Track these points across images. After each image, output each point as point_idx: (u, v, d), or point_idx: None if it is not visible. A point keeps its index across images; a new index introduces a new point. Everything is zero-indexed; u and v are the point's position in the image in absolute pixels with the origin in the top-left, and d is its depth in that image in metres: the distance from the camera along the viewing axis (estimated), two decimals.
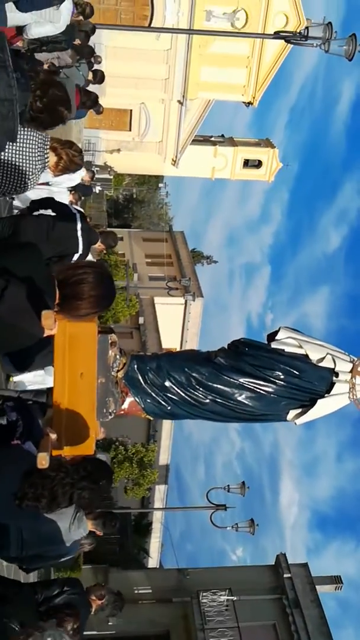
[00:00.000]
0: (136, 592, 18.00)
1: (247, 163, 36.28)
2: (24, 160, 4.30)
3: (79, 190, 19.79)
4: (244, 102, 35.08)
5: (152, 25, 32.02)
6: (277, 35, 17.19)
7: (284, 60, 33.35)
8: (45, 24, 7.55)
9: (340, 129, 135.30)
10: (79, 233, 6.37)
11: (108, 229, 11.24)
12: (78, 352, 4.12)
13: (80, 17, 11.37)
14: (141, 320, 33.45)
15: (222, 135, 37.85)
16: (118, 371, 4.39)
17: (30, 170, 4.39)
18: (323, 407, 4.70)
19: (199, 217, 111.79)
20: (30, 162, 4.38)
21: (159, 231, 47.34)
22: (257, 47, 32.55)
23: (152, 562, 31.14)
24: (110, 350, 4.33)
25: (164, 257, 39.04)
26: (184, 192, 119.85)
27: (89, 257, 7.57)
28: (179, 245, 41.00)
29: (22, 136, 4.29)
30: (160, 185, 50.21)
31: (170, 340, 34.03)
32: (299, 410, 4.74)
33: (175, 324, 36.20)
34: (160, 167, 36.72)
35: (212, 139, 37.42)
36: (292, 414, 4.75)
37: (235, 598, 17.43)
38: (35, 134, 4.38)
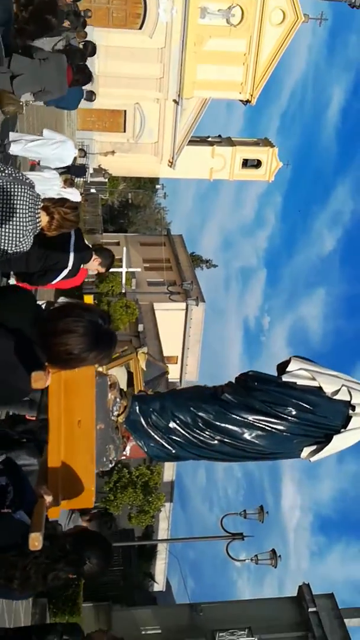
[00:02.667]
0: (143, 632, 16.28)
1: (246, 163, 36.17)
2: (13, 222, 4.11)
3: (72, 172, 19.67)
4: (241, 101, 34.93)
5: (145, 24, 31.90)
6: None
7: (281, 58, 33.15)
8: None
9: (331, 132, 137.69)
10: (71, 248, 6.18)
11: (104, 247, 10.98)
12: (75, 398, 3.91)
13: (67, 23, 11.07)
14: (141, 327, 33.19)
15: (220, 136, 37.73)
16: (118, 415, 4.18)
17: (20, 231, 4.19)
18: (339, 442, 4.49)
19: (194, 221, 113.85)
20: (20, 223, 4.18)
21: (156, 235, 47.16)
22: (254, 44, 32.40)
23: (158, 586, 30.71)
24: (109, 392, 4.13)
25: (162, 261, 38.83)
26: (179, 195, 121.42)
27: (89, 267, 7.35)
28: (178, 249, 40.78)
29: (11, 195, 4.09)
30: (158, 186, 50.09)
31: (171, 347, 33.80)
32: (314, 447, 4.53)
33: (177, 331, 35.93)
34: (156, 169, 36.55)
35: (209, 139, 37.27)
36: (306, 451, 4.53)
37: (256, 638, 15.72)
38: (26, 193, 4.19)
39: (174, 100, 33.85)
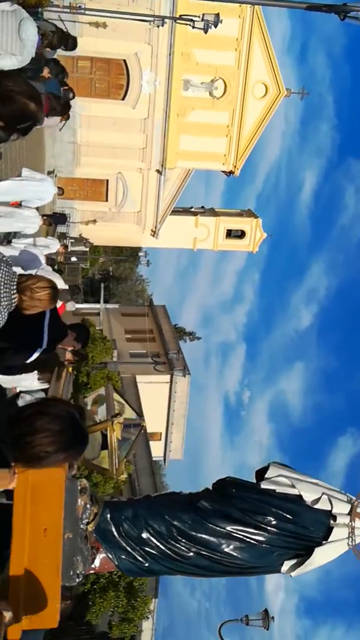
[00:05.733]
0: None
1: (230, 233, 36.85)
2: None
3: (54, 220, 19.78)
4: (224, 172, 35.88)
5: (127, 95, 33.00)
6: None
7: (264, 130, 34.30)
8: (6, 57, 7.39)
9: (304, 212, 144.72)
10: (45, 327, 6.17)
11: (79, 323, 11.05)
12: (42, 504, 3.82)
13: (47, 49, 11.34)
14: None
15: (202, 207, 38.54)
16: (88, 523, 4.10)
17: None
18: (321, 556, 4.42)
19: (174, 294, 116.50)
20: None
21: (139, 305, 47.43)
22: (237, 116, 33.56)
23: None
24: (79, 498, 4.07)
25: (145, 332, 38.93)
26: (159, 265, 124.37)
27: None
28: (161, 320, 41.00)
29: None
30: (140, 254, 50.79)
31: (155, 423, 33.45)
32: (294, 561, 4.46)
33: (160, 405, 35.64)
34: (139, 238, 37.10)
35: (192, 209, 38.06)
36: (286, 565, 4.47)
37: None
38: (1, 270, 4.24)
39: (157, 171, 34.70)
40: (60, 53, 13.36)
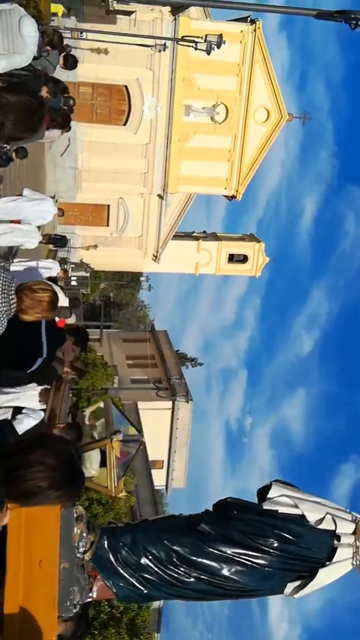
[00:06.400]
0: None
1: (232, 258, 36.95)
2: None
3: (55, 242, 19.83)
4: (226, 196, 36.06)
5: (129, 120, 33.31)
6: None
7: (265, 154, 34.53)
8: (10, 56, 7.44)
9: (305, 239, 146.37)
10: (43, 334, 6.12)
11: (77, 327, 11.01)
12: (37, 535, 3.73)
13: (48, 48, 11.33)
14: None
15: (204, 232, 38.70)
16: (85, 552, 3.99)
17: None
18: (325, 577, 4.32)
19: (175, 319, 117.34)
20: None
21: (140, 331, 47.38)
22: (238, 141, 33.82)
23: None
24: (75, 526, 3.96)
25: (146, 357, 38.85)
26: (160, 290, 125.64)
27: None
28: (163, 345, 40.93)
29: None
30: (142, 279, 50.95)
31: (156, 451, 33.22)
32: (298, 583, 4.35)
33: (162, 432, 35.42)
34: (140, 263, 37.20)
35: (194, 234, 38.21)
36: (289, 587, 4.35)
37: None
38: None
39: (159, 195, 34.89)
40: (61, 76, 13.47)
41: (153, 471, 31.75)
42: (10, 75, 7.82)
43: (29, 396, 7.82)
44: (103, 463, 8.69)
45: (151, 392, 36.12)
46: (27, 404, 7.63)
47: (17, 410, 7.26)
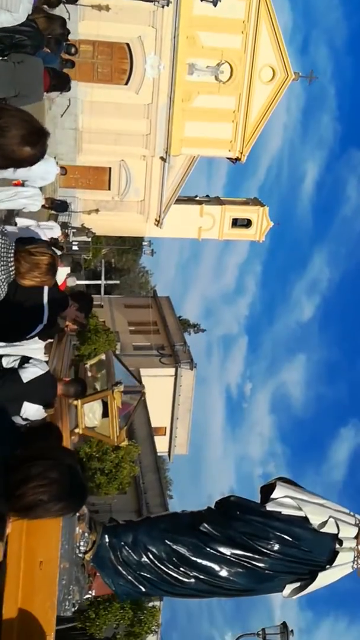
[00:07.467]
0: None
1: (235, 222, 36.65)
2: None
3: (55, 208, 19.83)
4: (230, 159, 35.63)
5: (131, 79, 32.76)
6: None
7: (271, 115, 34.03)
8: (0, 13, 7.06)
9: (307, 206, 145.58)
10: (45, 299, 6.10)
11: (81, 292, 11.04)
12: (38, 536, 3.76)
13: (45, 6, 10.75)
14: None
15: (207, 196, 38.32)
16: (86, 552, 4.01)
17: None
18: (324, 579, 4.40)
19: (176, 286, 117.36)
20: None
21: (142, 297, 47.29)
22: (243, 101, 33.29)
23: None
24: (77, 526, 3.98)
25: (149, 324, 38.86)
26: (160, 256, 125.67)
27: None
28: (165, 311, 40.91)
29: None
30: (144, 243, 50.72)
31: (159, 418, 33.47)
32: (297, 585, 4.42)
33: (165, 399, 35.62)
34: (142, 228, 36.94)
35: (197, 198, 37.86)
36: (288, 589, 4.44)
37: None
38: None
39: (161, 158, 34.47)
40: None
41: (156, 438, 32.02)
42: (5, 35, 7.51)
43: (35, 349, 7.87)
44: (105, 414, 8.87)
45: (154, 359, 36.23)
46: (33, 355, 7.67)
47: (24, 360, 7.29)
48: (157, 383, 34.63)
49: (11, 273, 4.48)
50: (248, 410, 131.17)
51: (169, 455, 38.54)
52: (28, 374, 6.99)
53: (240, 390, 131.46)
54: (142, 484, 26.57)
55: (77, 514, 4.00)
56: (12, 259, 4.46)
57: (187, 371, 35.67)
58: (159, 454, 32.62)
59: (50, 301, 6.14)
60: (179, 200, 36.21)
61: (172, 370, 35.83)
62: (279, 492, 4.36)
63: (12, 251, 4.48)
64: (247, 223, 36.83)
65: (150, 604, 18.34)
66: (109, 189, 35.49)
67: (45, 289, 6.01)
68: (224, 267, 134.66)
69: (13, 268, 4.48)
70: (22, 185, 12.33)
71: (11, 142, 3.81)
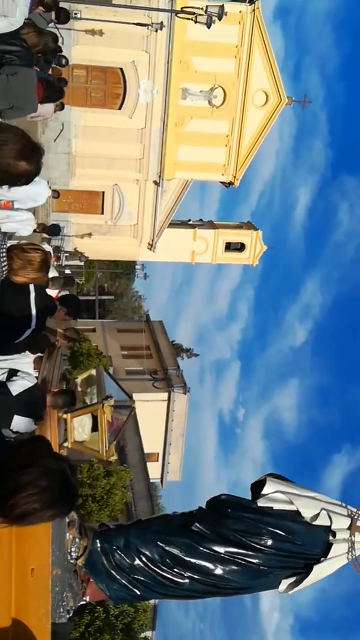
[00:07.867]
0: None
1: (229, 246, 36.76)
2: None
3: (47, 231, 19.85)
4: (223, 183, 35.83)
5: (124, 104, 33.01)
6: None
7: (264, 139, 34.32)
8: None
9: (299, 231, 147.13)
10: (32, 304, 6.02)
11: (68, 295, 10.94)
12: (28, 543, 3.64)
13: (41, 9, 10.91)
14: None
15: (201, 220, 38.48)
16: (78, 557, 3.89)
17: None
18: (320, 573, 4.35)
19: (169, 310, 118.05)
20: None
21: (135, 321, 47.23)
22: (236, 126, 33.57)
23: None
24: (67, 532, 3.85)
25: (142, 348, 38.70)
26: (153, 280, 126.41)
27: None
28: (158, 336, 40.79)
29: None
30: (137, 267, 50.80)
31: (152, 444, 33.16)
32: (292, 579, 4.32)
33: (158, 424, 35.33)
34: (135, 252, 37.00)
35: (190, 222, 37.99)
36: (284, 584, 4.37)
37: None
38: None
39: (155, 182, 34.65)
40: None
41: (148, 464, 31.71)
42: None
43: (24, 363, 7.80)
44: (95, 428, 8.80)
45: (146, 383, 36.02)
46: (22, 369, 7.60)
47: (12, 373, 7.23)
48: (149, 408, 34.39)
49: (3, 270, 4.46)
50: (241, 435, 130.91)
51: (162, 481, 38.16)
52: (16, 387, 6.94)
53: (233, 416, 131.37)
54: (134, 511, 26.23)
55: (67, 520, 3.89)
56: (4, 257, 4.45)
57: (180, 395, 35.46)
58: (151, 481, 32.29)
59: (38, 306, 6.10)
60: (172, 224, 36.34)
61: (165, 395, 35.61)
62: (269, 488, 4.34)
63: (4, 249, 4.50)
64: (241, 247, 36.96)
65: (142, 635, 17.88)
66: (102, 213, 35.61)
67: (32, 291, 5.97)
68: (217, 291, 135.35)
69: (5, 265, 4.46)
70: (12, 205, 12.25)
71: (7, 155, 3.76)
